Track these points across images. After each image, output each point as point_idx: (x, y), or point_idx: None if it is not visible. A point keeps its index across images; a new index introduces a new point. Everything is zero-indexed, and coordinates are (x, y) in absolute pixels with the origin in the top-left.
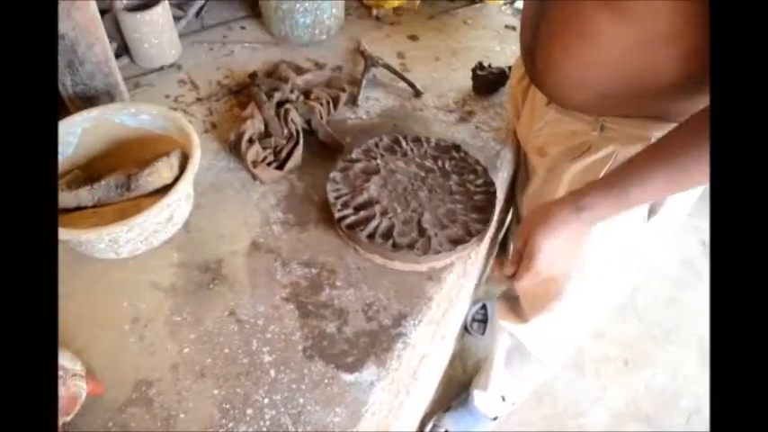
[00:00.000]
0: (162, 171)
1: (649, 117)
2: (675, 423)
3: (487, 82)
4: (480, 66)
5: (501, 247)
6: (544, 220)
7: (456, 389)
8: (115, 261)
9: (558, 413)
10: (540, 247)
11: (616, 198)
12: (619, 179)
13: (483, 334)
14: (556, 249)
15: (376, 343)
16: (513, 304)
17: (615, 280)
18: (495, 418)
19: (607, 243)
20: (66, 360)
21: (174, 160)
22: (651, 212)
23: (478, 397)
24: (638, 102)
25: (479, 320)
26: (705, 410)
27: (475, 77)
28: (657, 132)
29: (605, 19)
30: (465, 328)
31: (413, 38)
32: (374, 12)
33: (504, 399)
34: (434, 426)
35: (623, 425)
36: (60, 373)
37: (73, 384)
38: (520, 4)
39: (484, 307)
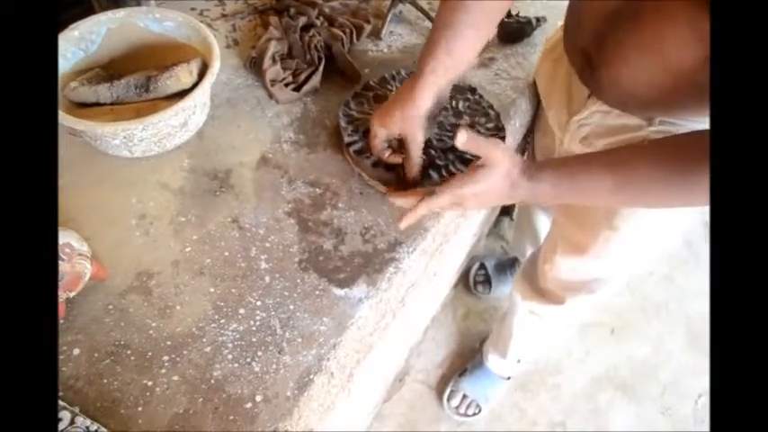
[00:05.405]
0: (181, 76)
1: None
2: (650, 394)
3: (513, 30)
4: (508, 13)
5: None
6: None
7: (472, 341)
8: (128, 159)
9: (538, 369)
10: (480, 180)
11: (561, 179)
12: (569, 163)
13: (489, 293)
14: (485, 194)
15: (369, 264)
16: (537, 286)
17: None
18: (508, 378)
19: (662, 235)
20: (73, 240)
21: (193, 67)
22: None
23: (493, 361)
24: (706, 102)
25: (482, 281)
26: (681, 384)
27: (500, 25)
28: None
29: (698, 56)
30: (470, 290)
31: None
32: None
33: (519, 361)
34: (452, 391)
35: (600, 389)
36: (66, 250)
37: (78, 263)
38: None
39: (482, 267)
